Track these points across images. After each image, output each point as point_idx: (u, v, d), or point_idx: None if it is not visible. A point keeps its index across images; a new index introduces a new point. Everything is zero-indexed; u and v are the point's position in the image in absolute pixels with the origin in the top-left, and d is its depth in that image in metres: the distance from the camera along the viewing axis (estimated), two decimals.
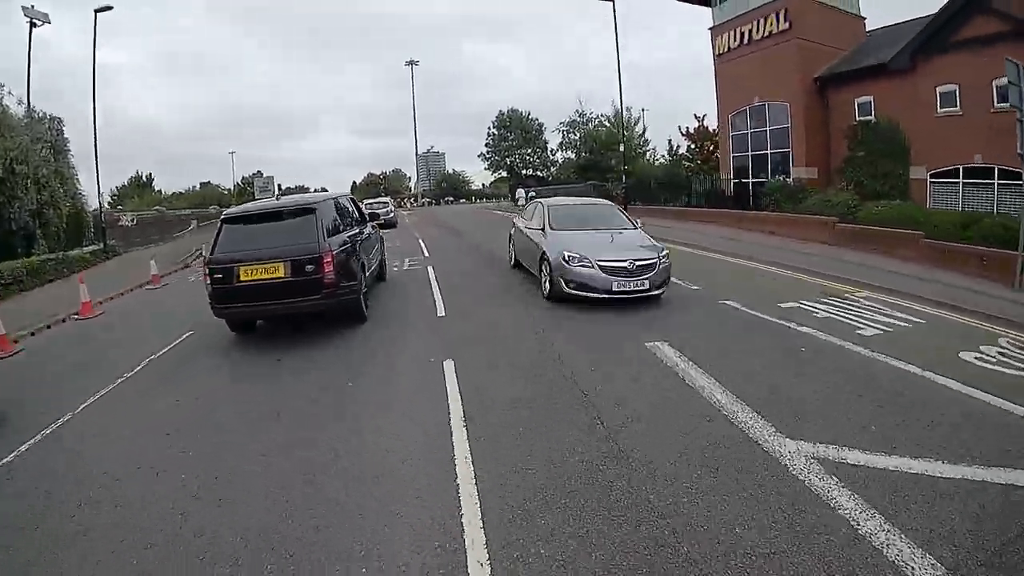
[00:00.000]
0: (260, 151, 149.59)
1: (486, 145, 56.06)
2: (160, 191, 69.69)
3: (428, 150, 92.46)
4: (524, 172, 53.76)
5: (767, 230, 16.21)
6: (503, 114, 55.64)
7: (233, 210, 7.31)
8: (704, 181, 25.05)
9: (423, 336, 6.70)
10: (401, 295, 9.19)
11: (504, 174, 56.40)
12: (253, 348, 6.75)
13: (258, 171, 60.31)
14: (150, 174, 73.16)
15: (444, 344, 6.25)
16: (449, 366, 5.45)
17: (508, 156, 55.40)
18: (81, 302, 9.71)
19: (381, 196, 44.27)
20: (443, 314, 7.76)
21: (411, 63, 55.93)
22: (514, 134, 54.74)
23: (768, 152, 21.83)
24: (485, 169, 59.06)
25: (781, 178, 20.14)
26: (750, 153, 22.64)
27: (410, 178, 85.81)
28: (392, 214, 27.75)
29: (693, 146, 32.74)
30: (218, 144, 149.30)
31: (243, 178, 60.99)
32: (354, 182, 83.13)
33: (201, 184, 75.83)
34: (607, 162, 38.33)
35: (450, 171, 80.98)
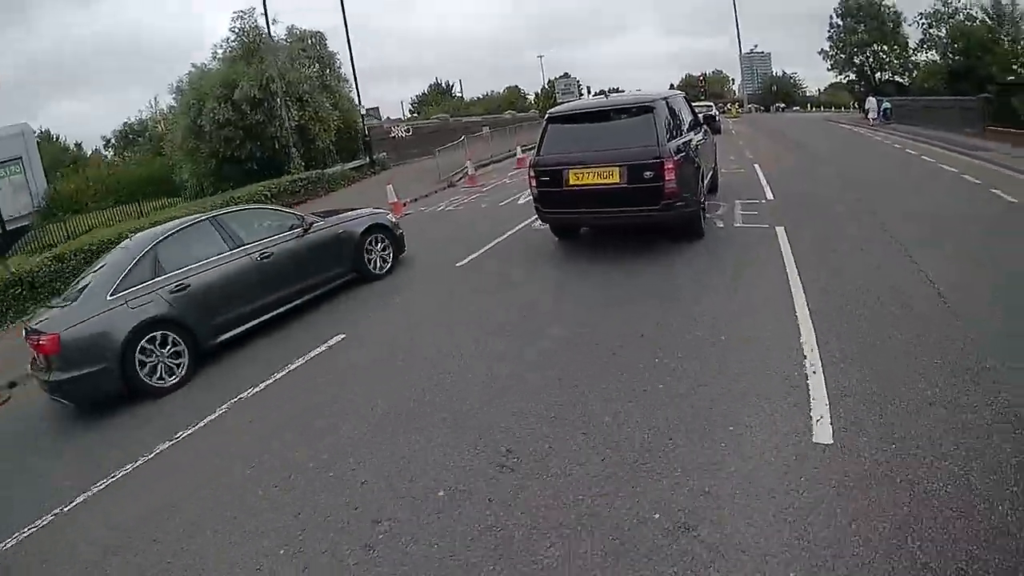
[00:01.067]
0: (569, 53, 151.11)
1: (828, 39, 41.22)
2: (461, 97, 64.09)
3: (751, 50, 75.36)
4: (877, 76, 39.11)
5: None
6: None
7: (560, 108, 6.91)
8: None
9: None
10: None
11: (853, 76, 41.66)
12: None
13: (564, 73, 54.86)
14: (448, 81, 67.41)
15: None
16: None
17: (857, 54, 40.25)
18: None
19: (701, 99, 37.20)
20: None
21: None
22: (866, 25, 39.04)
23: None
24: (829, 69, 43.40)
25: None
26: None
27: (732, 80, 76.53)
28: (717, 119, 25.33)
29: None
30: (526, 52, 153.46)
31: (549, 81, 56.79)
32: (671, 84, 74.71)
33: (507, 89, 69.05)
34: (985, 68, 30.10)
35: (779, 73, 68.97)
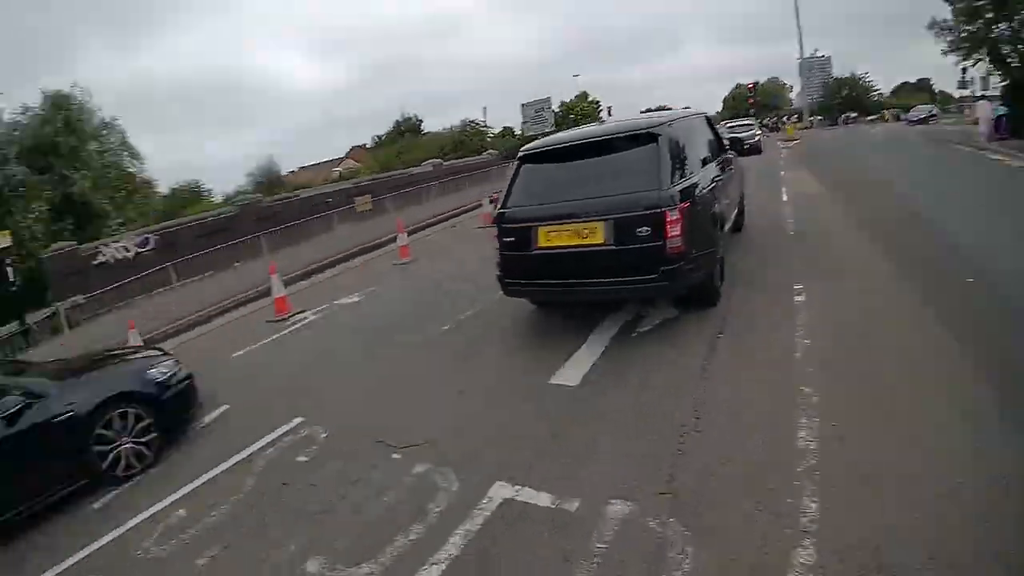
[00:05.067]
0: (609, 73, 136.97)
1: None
2: (426, 133, 47.68)
3: (812, 54, 64.66)
4: (1011, 61, 21.12)
5: None
6: None
7: (537, 143, 5.31)
8: None
9: None
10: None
11: (972, 61, 22.75)
12: None
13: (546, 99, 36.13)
14: (415, 116, 49.82)
15: None
16: None
17: (988, 30, 21.32)
18: None
19: (746, 118, 30.47)
20: None
21: None
22: None
23: None
24: (945, 52, 23.60)
25: None
26: None
27: (791, 88, 67.60)
28: (757, 138, 20.74)
29: None
30: (569, 73, 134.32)
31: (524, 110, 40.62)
32: (725, 100, 68.94)
33: (465, 124, 45.17)
34: None
35: (847, 74, 60.16)
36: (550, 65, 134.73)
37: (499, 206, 4.93)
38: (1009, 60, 20.47)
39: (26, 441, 3.82)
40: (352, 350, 5.95)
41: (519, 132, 33.48)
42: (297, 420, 4.35)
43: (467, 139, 41.01)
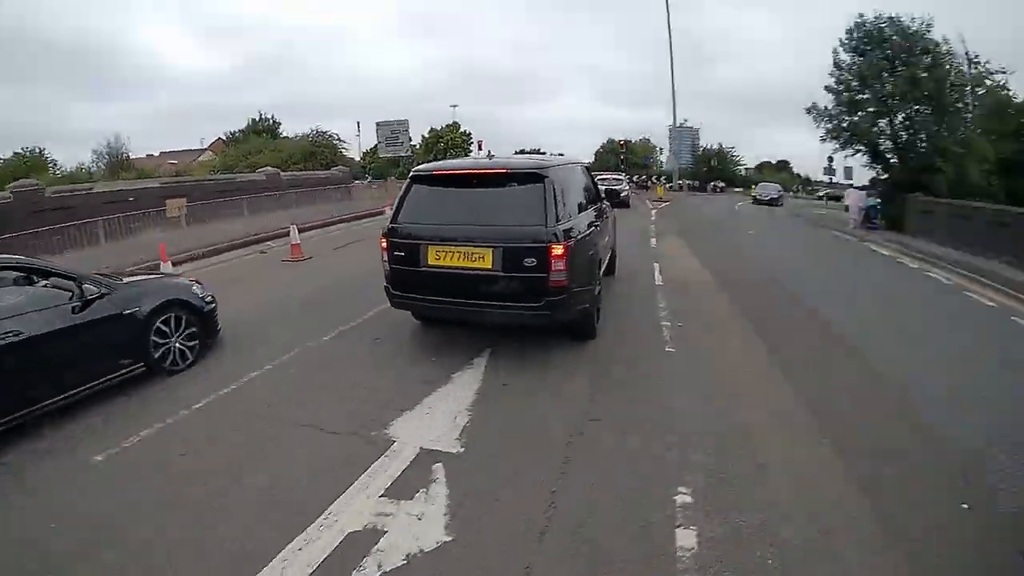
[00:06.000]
0: (489, 108, 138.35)
1: (830, 90, 22.00)
2: (283, 137, 43.62)
3: (682, 123, 66.30)
4: (890, 157, 21.58)
5: None
6: (864, 23, 20.94)
7: (429, 166, 5.58)
8: None
9: None
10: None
11: (851, 151, 22.78)
12: None
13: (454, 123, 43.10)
14: (272, 117, 46.51)
15: None
16: None
17: (870, 124, 21.32)
18: None
19: (617, 173, 31.96)
20: None
21: None
22: (887, 60, 20.37)
23: None
24: (825, 139, 22.84)
25: None
26: None
27: (660, 150, 70.28)
28: (625, 193, 22.51)
29: None
30: (440, 99, 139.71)
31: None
32: (597, 152, 69.29)
33: (314, 133, 41.08)
34: None
35: (715, 146, 64.76)
36: (434, 94, 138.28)
37: (391, 220, 5.09)
38: (889, 157, 21.36)
39: (99, 325, 4.32)
40: None
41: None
42: None
43: (318, 151, 37.68)
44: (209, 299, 5.36)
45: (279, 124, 46.69)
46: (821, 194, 44.18)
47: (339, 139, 41.43)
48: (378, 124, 30.34)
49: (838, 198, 30.14)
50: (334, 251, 11.84)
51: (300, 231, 11.68)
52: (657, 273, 8.89)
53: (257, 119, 46.10)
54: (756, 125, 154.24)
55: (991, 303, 7.98)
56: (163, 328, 4.76)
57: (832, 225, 20.11)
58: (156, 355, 4.69)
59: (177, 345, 4.88)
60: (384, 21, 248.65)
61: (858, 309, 7.31)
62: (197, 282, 5.58)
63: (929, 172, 18.78)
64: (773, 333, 5.95)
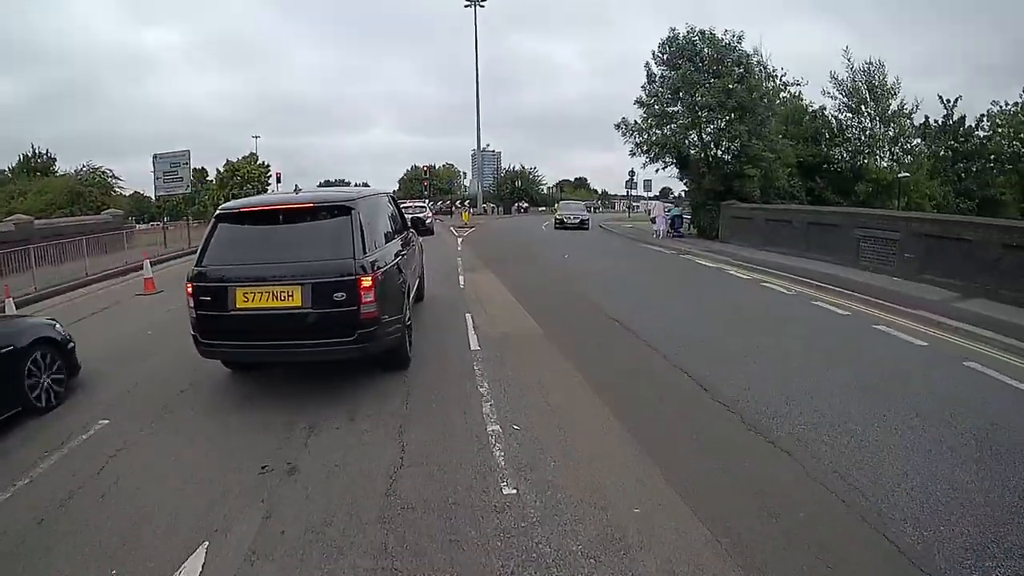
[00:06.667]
0: (294, 140, 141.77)
1: (641, 104, 22.42)
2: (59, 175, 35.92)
3: (485, 147, 70.78)
4: (703, 170, 21.94)
5: None
6: (677, 37, 21.23)
7: (234, 204, 5.44)
8: None
9: None
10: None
11: (661, 164, 23.22)
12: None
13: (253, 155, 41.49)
14: (48, 152, 39.54)
15: None
16: None
17: (682, 137, 22.25)
18: None
19: (421, 199, 35.08)
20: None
21: (473, 2, 43.36)
22: (699, 72, 20.78)
23: None
24: (634, 153, 23.21)
25: None
26: None
27: (464, 174, 73.04)
28: (429, 220, 23.46)
29: None
30: (246, 130, 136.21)
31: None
32: (401, 180, 70.72)
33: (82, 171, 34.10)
34: (837, 155, 25.09)
35: (517, 167, 66.13)
36: (240, 125, 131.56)
37: (195, 264, 4.86)
38: (701, 169, 21.77)
39: None
40: None
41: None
42: None
43: (86, 191, 31.82)
44: (69, 336, 5.35)
45: (54, 160, 39.35)
46: (623, 208, 48.91)
47: (114, 176, 35.26)
48: (155, 157, 23.38)
49: (635, 207, 33.57)
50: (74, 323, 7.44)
51: (45, 297, 10.31)
52: (471, 330, 7.00)
53: (31, 155, 38.76)
54: (556, 145, 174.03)
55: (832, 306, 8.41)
56: (32, 368, 4.71)
57: (643, 238, 21.11)
58: (32, 395, 4.66)
59: (46, 383, 4.84)
60: (190, 49, 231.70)
61: (742, 366, 5.56)
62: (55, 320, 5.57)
63: (741, 179, 20.28)
64: (662, 445, 3.92)
